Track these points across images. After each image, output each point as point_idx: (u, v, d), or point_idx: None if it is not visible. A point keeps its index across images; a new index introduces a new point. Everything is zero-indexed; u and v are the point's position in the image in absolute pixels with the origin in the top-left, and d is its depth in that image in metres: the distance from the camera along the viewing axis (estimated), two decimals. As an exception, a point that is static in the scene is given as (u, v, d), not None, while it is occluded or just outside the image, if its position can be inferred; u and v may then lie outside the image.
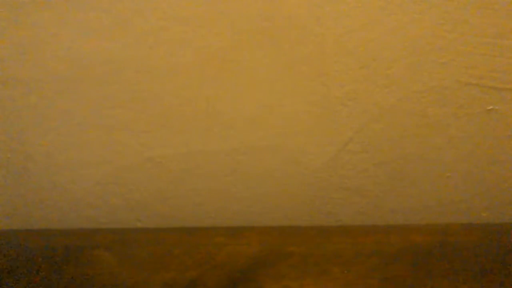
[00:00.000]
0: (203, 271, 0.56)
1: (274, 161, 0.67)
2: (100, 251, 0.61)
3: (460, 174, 0.66)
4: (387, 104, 0.64)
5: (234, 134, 0.66)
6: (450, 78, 0.62)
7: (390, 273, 0.54)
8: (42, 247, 0.62)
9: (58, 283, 0.56)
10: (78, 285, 0.56)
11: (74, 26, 0.61)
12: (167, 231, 0.66)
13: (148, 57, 0.62)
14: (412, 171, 0.67)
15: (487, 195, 0.67)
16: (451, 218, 0.68)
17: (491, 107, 0.63)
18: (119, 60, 0.63)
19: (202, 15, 0.60)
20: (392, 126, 0.65)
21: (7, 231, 0.69)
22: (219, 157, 0.67)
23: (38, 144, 0.67)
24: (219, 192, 0.69)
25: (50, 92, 0.64)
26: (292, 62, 0.62)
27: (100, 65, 0.63)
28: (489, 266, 0.54)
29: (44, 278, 0.57)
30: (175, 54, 0.62)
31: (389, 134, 0.65)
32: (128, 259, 0.59)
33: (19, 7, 0.61)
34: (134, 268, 0.58)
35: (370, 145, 0.66)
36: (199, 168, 0.68)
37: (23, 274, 0.57)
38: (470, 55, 0.61)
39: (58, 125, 0.66)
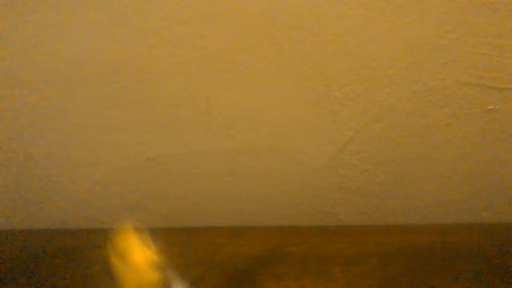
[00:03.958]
0: (203, 271, 0.56)
1: (274, 161, 0.67)
2: (100, 251, 0.61)
3: (460, 174, 0.66)
4: (387, 104, 0.64)
5: (234, 134, 0.66)
6: (450, 78, 0.62)
7: (390, 273, 0.54)
8: (42, 247, 0.62)
9: (58, 283, 0.56)
10: (78, 285, 0.56)
11: (74, 26, 0.61)
12: (167, 231, 0.66)
13: (148, 57, 0.62)
14: (412, 171, 0.67)
15: (487, 195, 0.67)
16: (451, 218, 0.68)
17: (491, 107, 0.63)
18: (119, 60, 0.63)
19: (202, 15, 0.60)
20: (392, 126, 0.65)
21: (7, 231, 0.69)
22: (219, 157, 0.67)
23: (38, 144, 0.67)
24: (219, 192, 0.69)
25: (50, 92, 0.64)
26: (292, 62, 0.62)
27: (100, 65, 0.63)
28: (489, 266, 0.54)
29: (44, 278, 0.57)
30: (175, 54, 0.62)
31: (389, 134, 0.65)
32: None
33: (19, 7, 0.61)
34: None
35: (370, 145, 0.66)
36: (199, 168, 0.68)
37: (23, 274, 0.57)
38: (470, 55, 0.61)
39: (58, 125, 0.66)
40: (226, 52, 0.62)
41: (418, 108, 0.64)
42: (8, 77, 0.64)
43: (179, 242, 0.62)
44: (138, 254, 0.48)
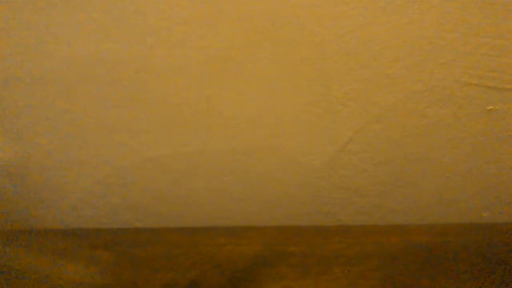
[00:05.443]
0: (203, 271, 0.56)
1: (274, 161, 0.67)
2: (100, 251, 0.61)
3: (460, 174, 0.66)
4: (387, 104, 0.64)
5: (234, 134, 0.66)
6: (450, 78, 0.62)
7: (390, 273, 0.54)
8: (42, 247, 0.62)
9: (58, 283, 0.56)
10: (78, 285, 0.56)
11: (74, 26, 0.61)
12: (167, 231, 0.66)
13: (148, 57, 0.62)
14: (412, 171, 0.67)
15: (487, 195, 0.67)
16: (451, 218, 0.68)
17: (491, 107, 0.63)
18: (119, 60, 0.63)
19: (202, 15, 0.60)
20: (392, 126, 0.65)
21: (7, 231, 0.69)
22: (219, 157, 0.67)
23: (38, 144, 0.67)
24: (219, 192, 0.69)
25: (50, 92, 0.64)
26: (292, 62, 0.62)
27: (100, 65, 0.63)
28: (489, 266, 0.54)
29: (44, 278, 0.57)
30: (175, 54, 0.62)
31: (389, 134, 0.65)
32: (128, 259, 0.59)
33: (19, 7, 0.61)
34: (134, 268, 0.58)
35: (370, 145, 0.66)
36: (199, 168, 0.68)
37: (23, 274, 0.57)
38: (470, 55, 0.61)
39: (58, 125, 0.66)
40: (226, 52, 0.62)
41: (418, 108, 0.64)
42: (8, 77, 0.64)
43: (179, 242, 0.62)
44: None
